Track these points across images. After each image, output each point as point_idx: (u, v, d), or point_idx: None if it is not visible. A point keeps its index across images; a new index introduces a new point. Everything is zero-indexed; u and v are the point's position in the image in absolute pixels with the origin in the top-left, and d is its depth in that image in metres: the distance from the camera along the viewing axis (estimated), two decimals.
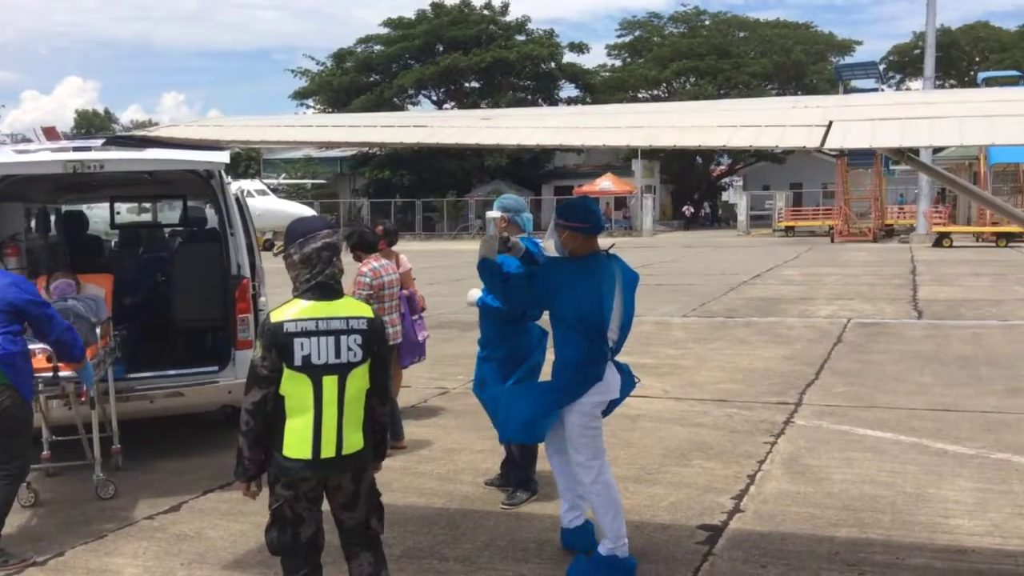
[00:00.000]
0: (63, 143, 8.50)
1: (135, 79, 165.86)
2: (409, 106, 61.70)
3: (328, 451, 3.77)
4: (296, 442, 3.76)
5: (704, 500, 6.14)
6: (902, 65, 67.83)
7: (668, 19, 68.03)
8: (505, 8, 60.20)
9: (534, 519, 5.83)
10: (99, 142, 7.15)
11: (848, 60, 59.06)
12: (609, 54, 67.82)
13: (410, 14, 61.22)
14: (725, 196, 75.42)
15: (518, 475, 6.25)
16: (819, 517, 5.78)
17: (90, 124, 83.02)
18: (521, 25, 60.33)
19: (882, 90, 46.02)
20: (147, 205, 12.67)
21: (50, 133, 10.67)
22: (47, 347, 5.76)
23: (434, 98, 62.41)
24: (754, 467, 6.86)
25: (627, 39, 67.54)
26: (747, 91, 56.65)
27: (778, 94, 59.32)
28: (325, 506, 3.94)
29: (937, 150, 32.60)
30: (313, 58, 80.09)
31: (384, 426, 4.13)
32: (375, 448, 4.00)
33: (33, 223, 9.40)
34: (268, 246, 27.84)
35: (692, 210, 62.26)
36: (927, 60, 40.02)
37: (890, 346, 12.20)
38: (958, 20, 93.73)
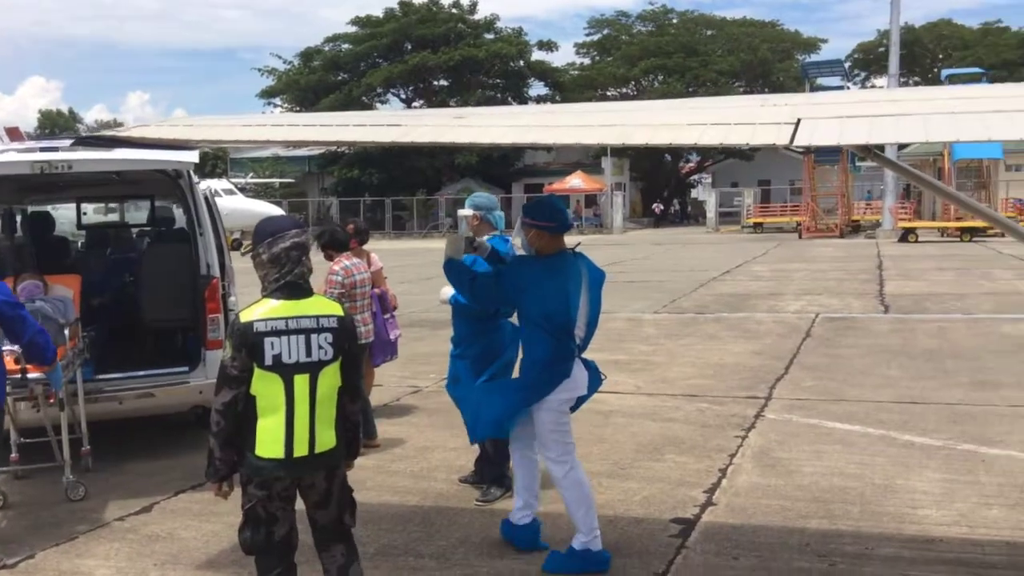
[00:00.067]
0: (29, 143, 8.41)
1: (99, 79, 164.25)
2: (378, 105, 61.47)
3: (301, 450, 3.76)
4: (268, 441, 3.75)
5: (677, 494, 6.20)
6: (867, 63, 68.57)
7: (636, 17, 68.47)
8: (473, 7, 60.16)
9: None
10: (67, 142, 7.08)
11: (814, 58, 59.66)
12: (578, 52, 68.14)
13: (378, 12, 61.03)
14: (694, 193, 75.95)
15: (492, 472, 6.27)
16: (790, 509, 5.85)
17: (54, 124, 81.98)
18: (490, 23, 60.29)
19: (847, 87, 46.51)
20: (114, 205, 12.55)
21: (13, 133, 10.57)
22: (14, 349, 5.71)
23: (403, 96, 62.23)
24: (725, 461, 6.93)
25: (595, 37, 67.85)
26: (715, 89, 57.01)
27: (745, 92, 59.84)
28: (299, 505, 3.93)
29: (902, 147, 32.97)
30: (280, 57, 79.92)
31: (356, 424, 4.13)
32: (348, 446, 4.00)
33: None
34: (236, 245, 27.56)
35: (662, 207, 62.58)
36: (891, 58, 40.47)
37: (858, 340, 12.35)
38: (922, 18, 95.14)
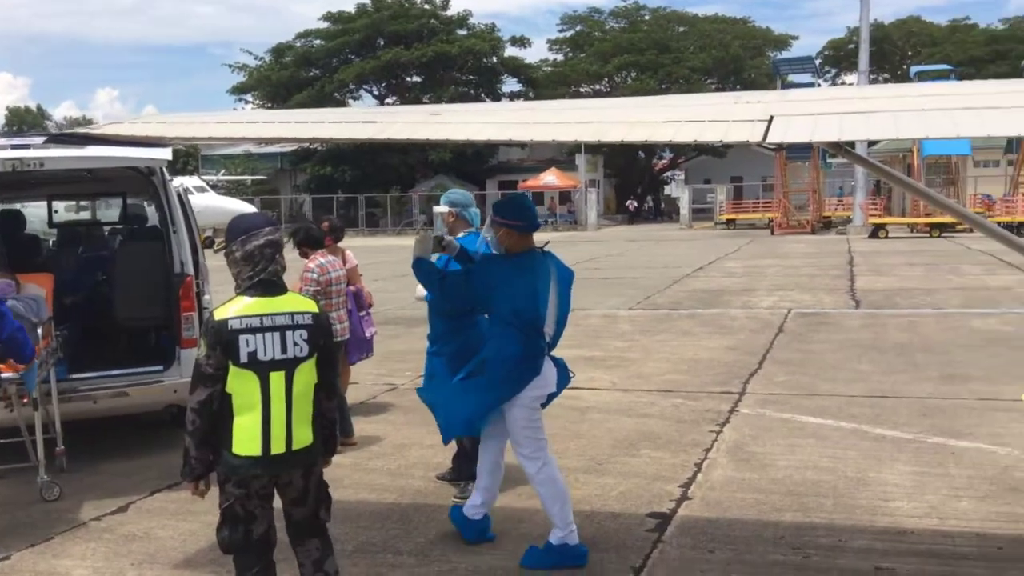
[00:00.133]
0: None
1: (68, 75, 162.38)
2: (351, 101, 61.22)
3: (278, 447, 3.76)
4: (245, 439, 3.75)
5: (653, 489, 6.24)
6: (837, 60, 69.11)
7: (609, 14, 68.58)
8: (446, 2, 60.02)
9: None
10: (39, 139, 7.01)
11: (785, 55, 60.04)
12: (551, 49, 68.23)
13: (350, 8, 60.71)
14: (668, 190, 76.25)
15: (469, 469, 6.25)
16: (764, 502, 5.91)
17: (22, 121, 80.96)
18: (463, 19, 60.17)
19: (818, 84, 46.84)
20: (85, 203, 12.43)
21: None
22: None
23: (375, 93, 62.01)
24: (701, 455, 6.99)
25: (568, 34, 67.94)
26: (687, 85, 57.29)
27: (718, 88, 60.22)
28: (276, 502, 3.93)
29: (872, 143, 33.30)
30: (251, 53, 79.06)
31: (332, 421, 4.13)
32: (324, 443, 4.01)
33: None
34: (209, 243, 27.41)
35: (636, 204, 62.76)
36: (861, 55, 40.81)
37: (829, 335, 12.47)
38: (891, 15, 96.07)
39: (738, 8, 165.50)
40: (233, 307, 3.79)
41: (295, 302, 3.92)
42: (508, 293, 4.90)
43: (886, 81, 65.23)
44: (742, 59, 62.95)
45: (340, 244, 7.99)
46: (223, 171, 57.24)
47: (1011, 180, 40.22)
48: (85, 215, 12.57)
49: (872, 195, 42.79)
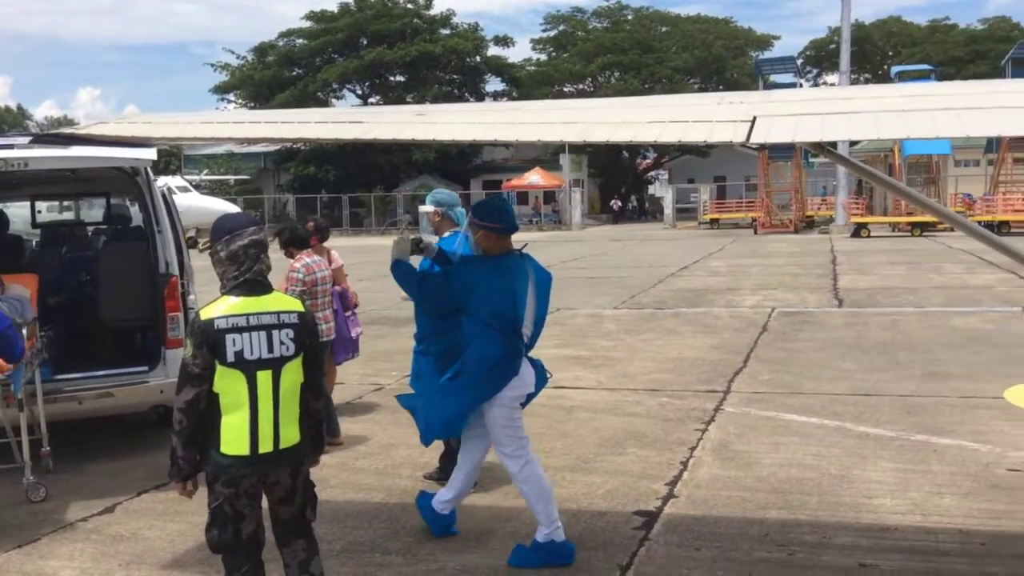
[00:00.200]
0: None
1: (49, 74, 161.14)
2: (334, 100, 61.13)
3: (266, 446, 3.77)
4: (233, 439, 3.75)
5: (639, 487, 6.28)
6: (819, 59, 69.46)
7: (592, 14, 68.79)
8: (429, 2, 59.98)
9: (474, 511, 5.87)
10: (23, 139, 6.98)
11: (767, 55, 60.34)
12: (534, 48, 68.30)
13: (332, 7, 60.60)
14: (651, 189, 76.41)
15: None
16: (749, 500, 5.95)
17: (2, 121, 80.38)
18: (446, 19, 60.16)
19: (800, 84, 47.12)
20: (68, 203, 12.37)
21: None
22: None
23: (359, 92, 61.91)
24: (686, 454, 7.03)
25: (552, 33, 68.04)
26: (670, 85, 57.49)
27: (700, 88, 60.44)
28: (263, 502, 3.94)
29: (853, 143, 33.48)
30: (233, 52, 79.02)
31: (319, 420, 4.14)
32: (312, 442, 4.02)
33: None
34: (192, 243, 27.32)
35: (620, 204, 62.88)
36: (842, 55, 41.06)
37: (813, 334, 12.55)
38: (871, 15, 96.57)
39: (720, 8, 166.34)
40: (219, 307, 3.80)
41: (281, 301, 3.93)
42: (487, 294, 4.94)
43: (867, 81, 65.65)
44: (724, 59, 63.22)
45: (325, 244, 7.99)
46: (206, 171, 57.01)
47: (991, 179, 40.54)
48: (68, 215, 12.50)
49: (854, 195, 43.05)
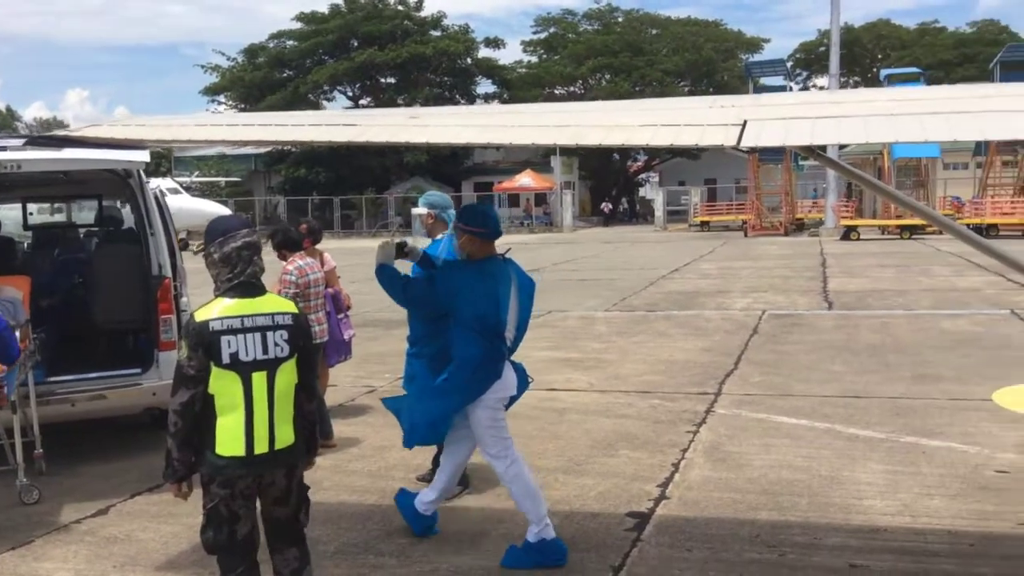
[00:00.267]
0: None
1: (38, 75, 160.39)
2: (324, 102, 61.08)
3: (261, 447, 3.80)
4: (229, 440, 3.77)
5: (631, 488, 6.31)
6: (808, 62, 69.71)
7: (582, 16, 68.89)
8: (420, 4, 59.99)
9: (467, 512, 5.91)
10: (17, 141, 6.99)
11: (757, 58, 60.54)
12: (525, 50, 68.32)
13: (323, 9, 60.57)
14: (642, 192, 76.56)
15: None
16: (740, 502, 5.99)
17: None
18: (437, 21, 60.17)
19: (790, 87, 47.25)
20: (60, 206, 12.35)
21: None
22: None
23: (350, 94, 61.87)
24: (678, 455, 7.06)
25: (542, 36, 68.06)
26: (661, 88, 57.63)
27: (691, 91, 60.57)
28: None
29: (843, 146, 33.62)
30: (223, 53, 78.71)
31: (313, 422, 4.16)
32: (305, 444, 4.04)
33: None
34: (183, 246, 27.27)
35: (611, 206, 62.97)
36: (832, 58, 41.21)
37: (803, 336, 12.61)
38: (861, 18, 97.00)
39: (710, 11, 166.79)
40: (214, 308, 3.82)
41: (275, 303, 3.96)
42: (470, 298, 5.00)
43: (856, 84, 65.97)
44: (715, 62, 63.37)
45: (318, 246, 8.01)
46: (196, 173, 56.94)
47: (980, 182, 40.74)
48: (60, 217, 12.48)
49: (844, 197, 43.20)
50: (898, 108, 4.41)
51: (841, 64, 44.02)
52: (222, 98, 62.40)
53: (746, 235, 41.64)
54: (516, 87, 60.95)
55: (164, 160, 52.68)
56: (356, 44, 58.52)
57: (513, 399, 5.30)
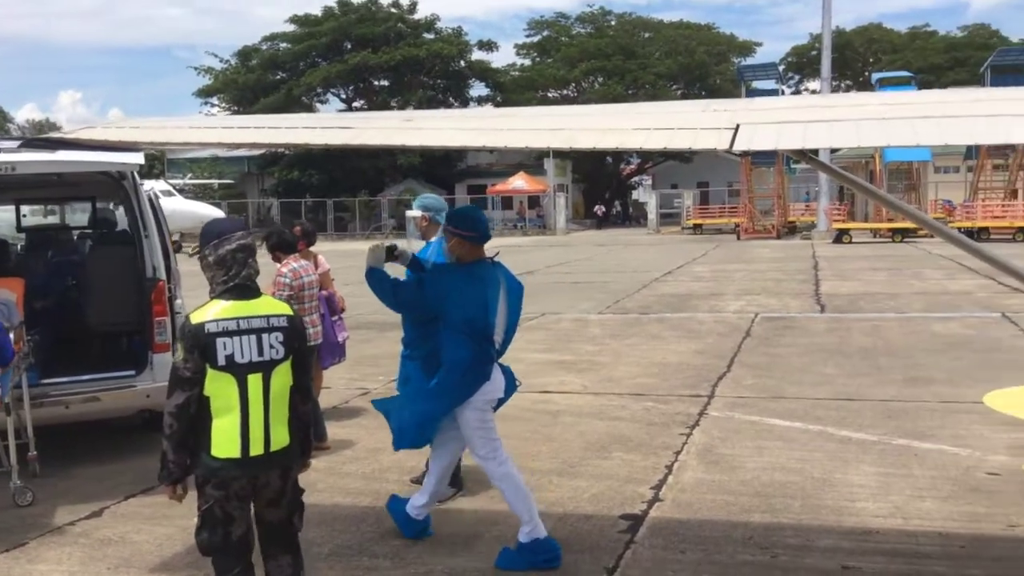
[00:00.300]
0: None
1: (30, 77, 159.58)
2: (318, 104, 61.12)
3: (256, 449, 3.81)
4: (224, 441, 3.78)
5: (625, 491, 6.33)
6: (800, 66, 69.93)
7: (575, 19, 68.96)
8: (413, 6, 60.05)
9: (462, 514, 5.93)
10: (12, 144, 6.98)
11: (749, 61, 60.72)
12: (518, 53, 68.42)
13: (316, 11, 60.58)
14: (635, 195, 76.66)
15: None
16: (734, 504, 6.02)
17: None
18: (430, 23, 60.25)
19: (782, 90, 47.39)
20: (53, 208, 12.34)
21: None
22: None
23: (343, 96, 61.91)
24: (671, 458, 7.09)
25: (535, 39, 68.16)
26: (653, 91, 57.79)
27: (683, 94, 60.76)
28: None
29: (835, 150, 33.73)
30: (216, 56, 78.73)
31: (307, 424, 4.18)
32: (300, 445, 4.06)
33: None
34: (176, 248, 27.21)
35: (603, 209, 63.05)
36: (824, 62, 41.31)
37: (795, 339, 12.65)
38: (852, 22, 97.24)
39: (703, 14, 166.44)
40: (210, 311, 3.84)
41: (270, 305, 3.98)
42: (459, 301, 5.04)
43: (848, 87, 66.19)
44: (707, 65, 63.53)
45: (312, 248, 8.02)
46: (189, 175, 56.83)
47: (971, 186, 40.90)
48: (53, 219, 12.48)
49: (836, 201, 43.32)
50: (890, 112, 4.44)
51: (833, 68, 44.18)
52: (215, 100, 62.43)
53: (739, 238, 41.73)
54: (509, 90, 61.02)
55: (157, 162, 52.61)
56: (349, 46, 58.53)
57: (501, 401, 5.34)
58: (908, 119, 4.23)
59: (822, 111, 4.87)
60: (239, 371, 3.78)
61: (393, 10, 59.65)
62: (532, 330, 13.90)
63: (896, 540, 5.37)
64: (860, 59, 69.79)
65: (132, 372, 7.30)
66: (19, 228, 10.34)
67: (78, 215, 11.76)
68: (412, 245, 6.01)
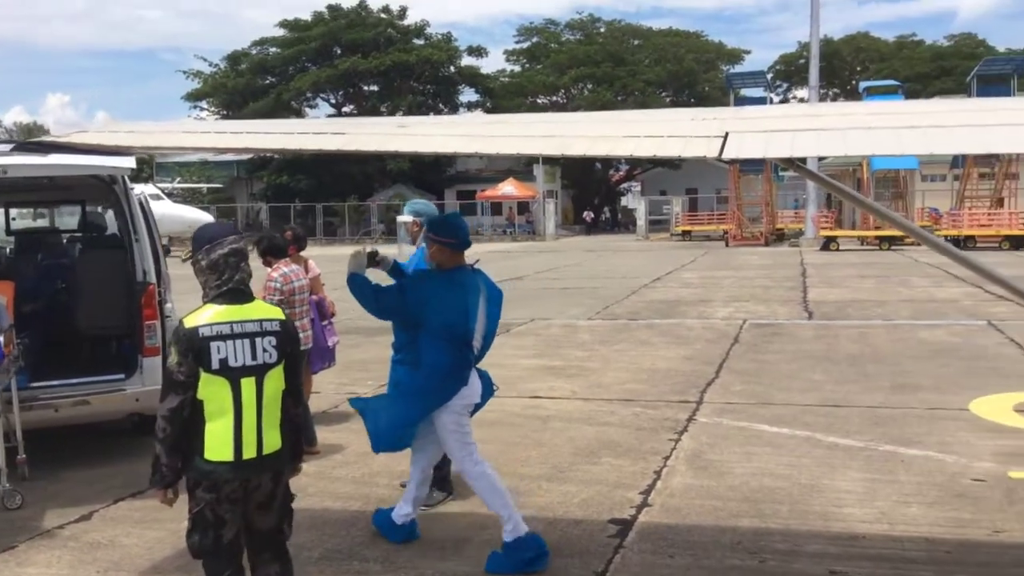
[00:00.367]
0: None
1: (17, 80, 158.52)
2: (307, 109, 61.09)
3: (249, 452, 3.83)
4: (217, 445, 3.80)
5: (614, 496, 6.36)
6: (788, 74, 70.20)
7: (564, 26, 69.16)
8: (403, 12, 60.08)
9: (452, 518, 5.95)
10: (4, 147, 6.98)
11: (738, 69, 60.98)
12: (508, 59, 68.56)
13: (306, 16, 60.59)
14: (624, 201, 76.80)
15: (434, 476, 6.34)
16: (722, 509, 6.05)
17: None
18: (420, 29, 60.27)
19: (770, 98, 47.58)
20: (43, 211, 12.31)
21: None
22: None
23: (333, 101, 61.84)
24: (660, 463, 7.12)
25: (525, 45, 68.33)
26: (642, 98, 57.96)
27: (672, 101, 60.97)
28: None
29: (822, 157, 33.86)
30: (205, 59, 78.55)
31: (299, 427, 4.21)
32: (292, 449, 4.08)
33: None
34: (164, 252, 27.13)
35: (593, 215, 63.16)
36: (812, 70, 41.54)
37: (784, 346, 12.71)
38: (840, 31, 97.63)
39: (691, 22, 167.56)
40: (203, 315, 3.87)
41: (263, 310, 4.01)
42: (439, 307, 5.11)
43: (836, 95, 66.52)
44: (696, 72, 63.80)
45: (303, 253, 8.04)
46: (178, 179, 56.70)
47: (958, 194, 41.14)
48: (43, 223, 12.45)
49: (824, 208, 43.50)
50: (876, 121, 4.49)
51: (821, 76, 44.42)
52: (204, 104, 62.30)
53: (727, 245, 41.86)
54: (499, 96, 61.13)
55: (146, 166, 52.40)
56: (339, 52, 58.53)
57: (478, 406, 5.41)
58: (894, 128, 4.28)
59: (810, 120, 4.91)
60: (232, 375, 3.81)
61: (383, 15, 59.69)
62: (521, 336, 13.95)
63: (882, 545, 5.41)
64: (848, 67, 70.15)
65: (122, 376, 7.30)
66: (8, 231, 10.32)
67: (67, 218, 11.74)
68: (403, 250, 6.05)
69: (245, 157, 56.10)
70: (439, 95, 60.82)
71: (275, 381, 3.92)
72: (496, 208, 56.00)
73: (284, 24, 60.82)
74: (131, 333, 7.52)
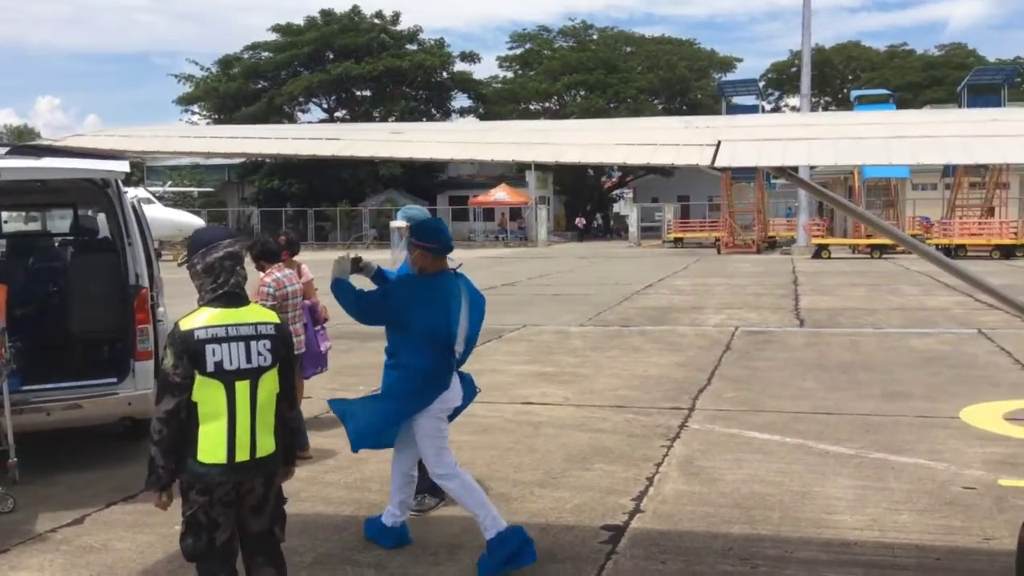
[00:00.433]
0: None
1: (8, 83, 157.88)
2: (299, 114, 61.07)
3: (243, 455, 3.85)
4: (211, 447, 3.82)
5: (606, 502, 6.38)
6: (780, 82, 70.50)
7: (557, 32, 69.33)
8: (396, 17, 60.14)
9: (444, 523, 5.96)
10: (1, 150, 6.98)
11: (730, 77, 61.21)
12: (500, 66, 68.68)
13: (298, 20, 60.60)
14: (616, 208, 76.99)
15: (426, 481, 6.34)
16: (713, 515, 6.07)
17: None
18: (413, 35, 60.33)
19: (762, 106, 47.75)
20: (34, 214, 12.29)
21: None
22: None
23: (325, 106, 61.86)
24: (652, 469, 7.14)
25: (518, 51, 68.46)
26: (635, 105, 58.12)
27: (664, 108, 61.13)
28: None
29: (814, 166, 33.94)
30: (197, 63, 78.45)
31: (292, 430, 4.23)
32: (285, 452, 4.09)
33: None
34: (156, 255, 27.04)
35: (585, 221, 63.25)
36: (803, 78, 41.73)
37: (775, 353, 12.75)
38: (831, 39, 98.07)
39: (684, 30, 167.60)
40: (199, 318, 3.88)
41: (258, 313, 4.04)
42: (421, 312, 5.15)
43: (828, 104, 66.80)
44: (688, 80, 64.00)
45: (296, 258, 8.04)
46: (169, 183, 56.58)
47: (948, 203, 41.33)
48: (34, 226, 12.42)
49: (815, 216, 43.66)
50: (866, 131, 4.53)
51: (812, 84, 44.65)
52: (196, 108, 62.21)
53: (719, 252, 41.96)
54: (491, 102, 61.21)
55: (137, 169, 52.32)
56: (332, 56, 58.54)
57: (458, 410, 5.45)
58: (884, 139, 4.31)
59: (801, 129, 4.95)
60: (227, 378, 3.83)
61: (376, 21, 59.72)
62: (514, 342, 13.96)
63: (873, 552, 5.44)
64: (839, 76, 70.46)
65: (114, 379, 7.28)
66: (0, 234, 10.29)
67: (58, 222, 11.71)
68: (397, 255, 6.07)
69: (236, 161, 56.10)
70: (432, 101, 60.87)
71: (270, 384, 3.94)
72: (488, 214, 56.04)
73: (277, 29, 60.81)
74: (123, 337, 7.51)
